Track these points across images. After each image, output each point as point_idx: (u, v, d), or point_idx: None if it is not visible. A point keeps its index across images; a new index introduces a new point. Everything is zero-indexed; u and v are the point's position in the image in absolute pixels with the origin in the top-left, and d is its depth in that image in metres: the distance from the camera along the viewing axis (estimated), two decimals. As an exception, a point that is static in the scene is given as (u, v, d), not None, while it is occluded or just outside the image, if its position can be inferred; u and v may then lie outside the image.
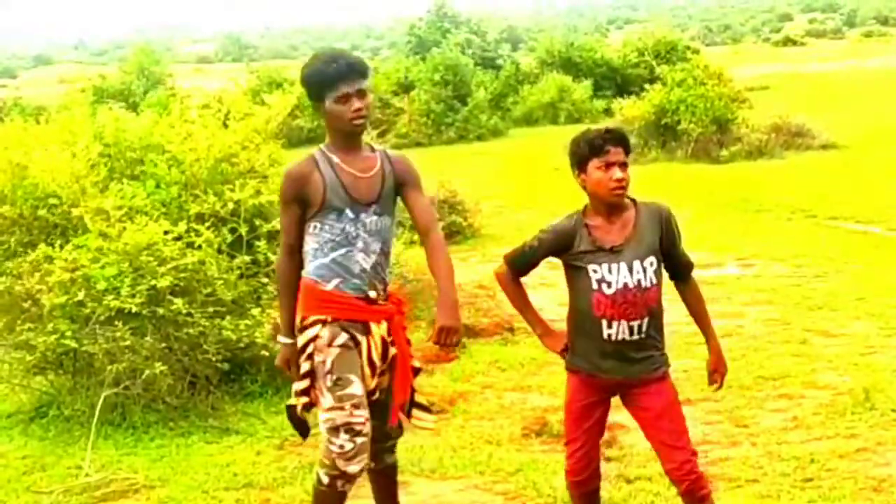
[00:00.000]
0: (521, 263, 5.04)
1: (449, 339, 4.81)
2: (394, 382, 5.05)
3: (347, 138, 4.93)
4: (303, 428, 5.20)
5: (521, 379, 8.39)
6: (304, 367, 4.95)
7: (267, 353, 7.69)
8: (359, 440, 4.83)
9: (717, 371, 5.01)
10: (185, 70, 61.93)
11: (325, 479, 4.87)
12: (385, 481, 5.34)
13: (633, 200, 4.80)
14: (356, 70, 4.86)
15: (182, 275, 7.57)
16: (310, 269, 4.94)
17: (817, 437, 6.79)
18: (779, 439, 6.79)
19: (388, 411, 5.08)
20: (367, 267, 4.93)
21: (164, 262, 7.51)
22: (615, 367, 4.82)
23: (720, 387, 5.08)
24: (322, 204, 4.86)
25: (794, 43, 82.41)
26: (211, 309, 7.67)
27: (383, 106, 31.90)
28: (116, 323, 7.36)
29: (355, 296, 4.92)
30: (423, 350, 8.21)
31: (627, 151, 4.74)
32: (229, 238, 8.08)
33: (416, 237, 7.87)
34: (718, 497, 5.80)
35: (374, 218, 4.93)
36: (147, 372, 7.28)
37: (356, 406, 4.85)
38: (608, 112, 31.72)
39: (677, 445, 4.80)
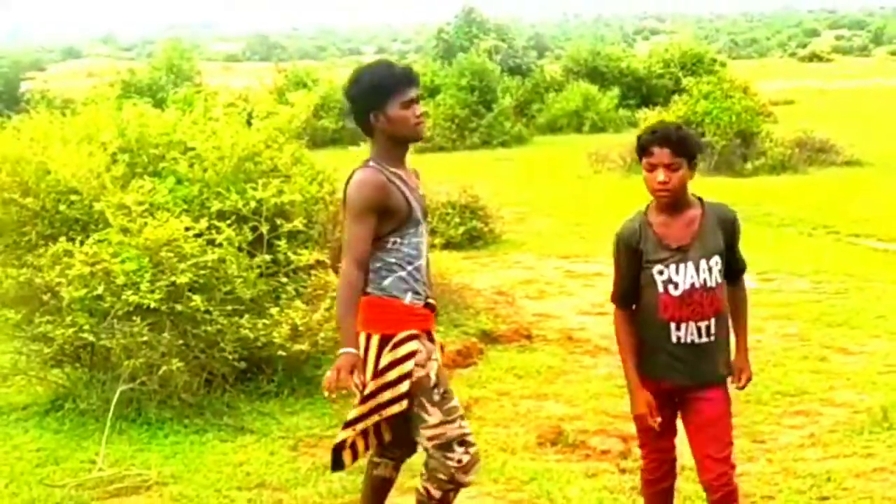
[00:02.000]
0: (620, 295, 4.91)
1: None
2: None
3: (403, 148, 4.94)
4: (339, 463, 5.10)
5: (538, 387, 8.36)
6: (402, 387, 4.82)
7: (284, 353, 7.69)
8: (472, 450, 4.91)
9: (742, 371, 4.93)
10: (213, 68, 62.08)
11: (438, 494, 4.90)
12: (386, 493, 5.30)
13: (700, 199, 4.78)
14: (415, 76, 4.93)
15: (202, 272, 7.57)
16: (385, 284, 4.88)
17: (834, 455, 6.75)
18: (795, 456, 6.75)
19: None
20: (426, 278, 5.04)
21: (184, 259, 7.51)
22: (683, 372, 4.76)
23: (743, 386, 4.97)
24: (408, 218, 4.86)
25: (821, 59, 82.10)
26: (229, 307, 7.67)
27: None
28: (135, 318, 7.37)
29: (423, 304, 4.97)
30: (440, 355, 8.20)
31: (678, 152, 4.62)
32: (250, 237, 8.08)
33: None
34: None
35: (426, 233, 5.04)
36: (163, 368, 7.29)
37: (462, 417, 4.94)
38: (632, 123, 31.63)
39: (719, 457, 4.75)
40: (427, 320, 5.01)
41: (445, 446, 4.84)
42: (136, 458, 6.87)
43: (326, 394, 4.71)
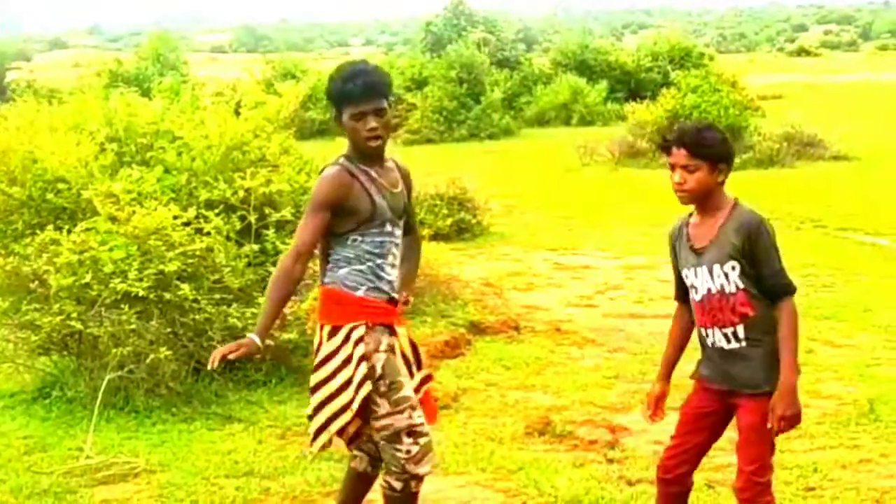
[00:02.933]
0: (675, 288, 4.85)
1: None
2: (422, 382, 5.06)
3: (365, 154, 4.89)
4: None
5: (526, 378, 8.37)
6: (344, 375, 4.84)
7: (272, 343, 7.67)
8: (422, 441, 4.87)
9: (773, 409, 4.47)
10: (200, 59, 61.96)
11: (398, 485, 4.87)
12: (363, 487, 5.26)
13: (736, 203, 4.61)
14: (375, 90, 4.82)
15: (190, 260, 7.57)
16: (339, 275, 4.88)
17: (821, 447, 6.76)
18: (782, 447, 6.72)
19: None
20: (392, 277, 4.95)
21: (172, 247, 7.50)
22: (719, 376, 4.63)
23: (777, 431, 4.52)
24: (370, 217, 4.83)
25: (809, 53, 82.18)
26: (217, 296, 7.66)
27: (396, 102, 31.84)
28: (122, 306, 7.36)
29: (383, 299, 4.93)
30: (428, 346, 8.22)
31: (696, 154, 4.49)
32: (238, 226, 8.08)
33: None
34: (720, 503, 5.79)
35: (399, 231, 4.97)
36: (151, 356, 7.28)
37: (413, 408, 4.88)
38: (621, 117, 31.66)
39: (745, 469, 4.61)
40: (382, 314, 4.93)
41: (394, 437, 4.82)
42: (124, 446, 6.86)
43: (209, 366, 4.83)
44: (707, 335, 4.62)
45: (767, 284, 4.52)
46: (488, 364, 8.64)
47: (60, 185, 8.34)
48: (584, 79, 36.84)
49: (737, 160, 22.05)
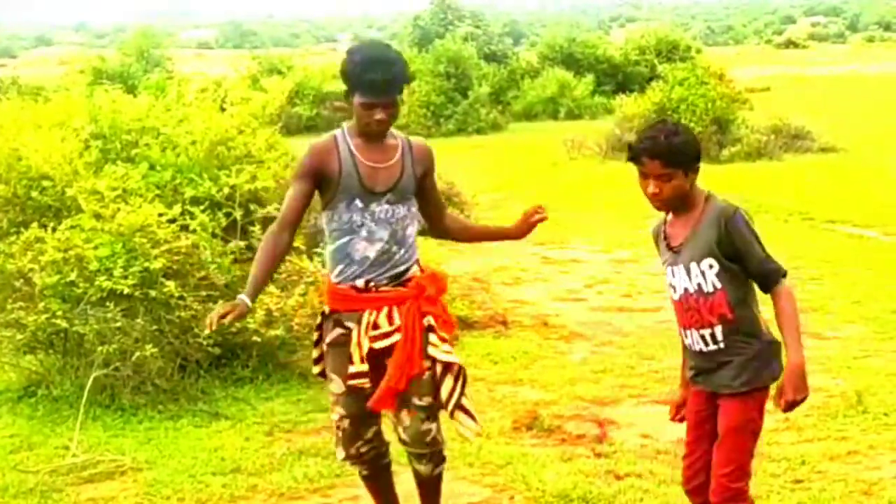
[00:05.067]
0: None
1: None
2: (389, 367, 4.90)
3: (364, 133, 4.84)
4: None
5: (514, 372, 8.36)
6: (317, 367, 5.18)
7: (258, 339, 7.66)
8: (339, 433, 5.04)
9: (782, 393, 4.37)
10: (186, 55, 61.84)
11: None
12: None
13: (708, 196, 4.46)
14: (393, 86, 4.74)
15: (175, 258, 7.54)
16: (324, 255, 5.04)
17: (809, 439, 6.76)
18: (770, 440, 6.75)
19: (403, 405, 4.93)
20: (371, 255, 4.84)
21: (157, 245, 7.47)
22: (701, 379, 4.55)
23: (785, 409, 4.42)
24: (336, 190, 4.79)
25: (797, 46, 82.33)
26: (204, 293, 7.63)
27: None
28: (108, 304, 7.32)
29: (349, 285, 4.87)
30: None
31: (670, 163, 4.34)
32: (224, 222, 8.05)
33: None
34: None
35: (386, 207, 4.84)
36: (137, 354, 7.24)
37: (335, 402, 5.01)
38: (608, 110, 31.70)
39: (720, 472, 4.48)
40: (340, 300, 4.91)
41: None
42: (111, 444, 6.83)
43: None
44: (686, 336, 4.53)
45: (756, 273, 4.42)
46: (476, 359, 8.61)
47: (45, 183, 8.30)
48: (572, 72, 36.91)
49: (724, 153, 22.27)
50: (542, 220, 5.12)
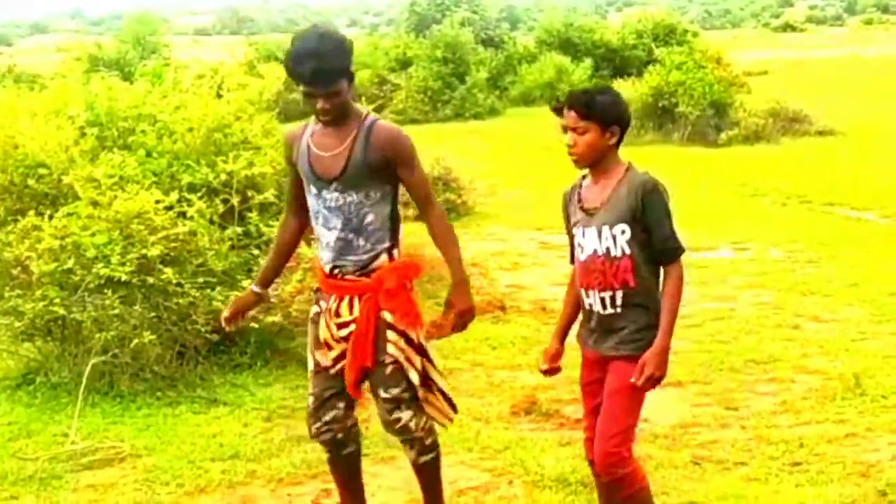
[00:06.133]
0: (571, 253, 4.77)
1: (463, 322, 4.83)
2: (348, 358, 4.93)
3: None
4: None
5: (512, 357, 8.36)
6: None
7: (256, 326, 7.65)
8: (309, 409, 5.07)
9: (644, 366, 4.41)
10: (183, 42, 61.71)
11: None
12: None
13: (629, 167, 4.55)
14: (322, 79, 4.64)
15: (173, 244, 7.52)
16: None
17: (806, 422, 6.77)
18: (768, 423, 6.77)
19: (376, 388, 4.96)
20: (330, 242, 4.86)
21: (154, 232, 7.46)
22: (595, 341, 4.62)
23: (642, 387, 4.44)
24: (301, 176, 4.92)
25: (794, 29, 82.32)
26: (201, 279, 7.62)
27: (381, 82, 31.82)
28: (106, 291, 7.31)
29: (322, 269, 4.96)
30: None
31: (585, 116, 4.45)
32: (221, 209, 8.03)
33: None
34: (706, 479, 5.80)
35: (336, 195, 4.80)
36: (136, 341, 7.24)
37: (310, 378, 5.07)
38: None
39: (605, 435, 4.51)
40: (322, 281, 5.00)
41: None
42: (109, 431, 6.83)
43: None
44: (586, 296, 4.59)
45: (658, 247, 4.48)
46: (474, 344, 8.61)
47: (41, 171, 8.28)
48: (569, 57, 36.88)
49: (722, 136, 22.27)
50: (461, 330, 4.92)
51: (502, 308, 9.63)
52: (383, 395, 4.90)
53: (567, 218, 4.73)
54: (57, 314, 7.36)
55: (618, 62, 38.64)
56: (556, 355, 4.87)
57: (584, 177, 4.67)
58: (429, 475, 5.15)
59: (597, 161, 4.53)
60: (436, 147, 17.67)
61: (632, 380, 4.42)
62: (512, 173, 19.14)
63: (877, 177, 17.19)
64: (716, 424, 6.82)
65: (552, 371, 4.90)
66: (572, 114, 4.49)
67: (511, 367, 8.14)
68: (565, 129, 4.53)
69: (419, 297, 9.11)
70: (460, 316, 4.83)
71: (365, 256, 4.86)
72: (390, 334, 4.86)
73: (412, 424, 4.95)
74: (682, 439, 6.50)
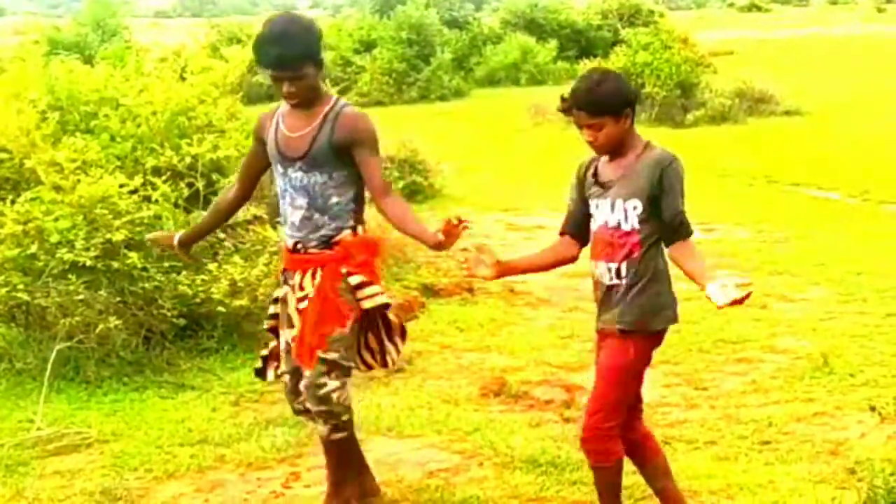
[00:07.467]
0: (563, 220, 4.88)
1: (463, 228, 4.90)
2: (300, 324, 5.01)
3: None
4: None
5: (480, 339, 8.35)
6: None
7: (223, 310, 7.61)
8: (287, 388, 5.16)
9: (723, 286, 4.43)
10: (143, 24, 61.19)
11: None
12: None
13: (647, 144, 4.56)
14: (286, 63, 4.82)
15: (138, 229, 7.45)
16: None
17: (775, 401, 6.80)
18: (737, 402, 6.80)
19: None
20: (295, 220, 5.00)
21: (119, 216, 7.40)
22: (599, 316, 4.65)
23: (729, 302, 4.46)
24: (269, 155, 5.05)
25: (760, 9, 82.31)
26: (167, 264, 7.56)
27: (345, 64, 31.66)
28: (70, 276, 7.25)
29: (286, 246, 5.10)
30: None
31: (596, 113, 4.47)
32: (186, 192, 7.97)
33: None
34: (676, 458, 5.79)
35: (300, 174, 4.94)
36: (101, 326, 7.18)
37: (282, 358, 5.17)
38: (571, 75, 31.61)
39: (590, 410, 4.59)
40: (286, 260, 5.15)
41: None
42: (76, 417, 6.78)
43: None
44: (596, 268, 4.63)
45: (667, 222, 4.47)
46: (443, 326, 8.60)
47: (2, 156, 8.18)
48: (534, 38, 36.76)
49: (689, 117, 22.31)
50: (465, 229, 4.98)
51: (470, 290, 9.60)
52: (322, 355, 4.90)
53: (579, 188, 4.74)
54: (21, 300, 7.30)
55: (583, 43, 38.58)
56: (488, 253, 4.98)
57: None
58: (339, 454, 5.13)
59: (619, 145, 4.55)
60: (401, 129, 17.60)
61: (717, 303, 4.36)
62: (479, 155, 19.10)
63: (843, 156, 17.29)
64: (685, 404, 6.83)
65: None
66: (582, 113, 4.52)
67: (480, 349, 8.13)
68: (579, 125, 4.55)
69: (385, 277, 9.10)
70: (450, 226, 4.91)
71: (329, 232, 4.98)
72: (368, 290, 5.00)
73: (334, 396, 4.93)
74: (652, 419, 6.48)
